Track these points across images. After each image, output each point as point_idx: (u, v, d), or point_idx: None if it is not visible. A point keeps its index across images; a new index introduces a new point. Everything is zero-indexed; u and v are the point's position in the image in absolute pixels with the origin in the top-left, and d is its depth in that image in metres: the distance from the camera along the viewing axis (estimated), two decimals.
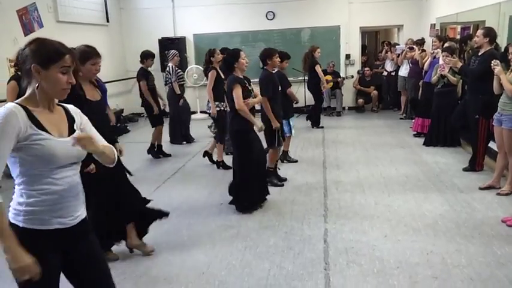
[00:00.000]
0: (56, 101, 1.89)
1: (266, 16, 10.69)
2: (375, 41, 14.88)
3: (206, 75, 6.32)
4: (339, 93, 10.35)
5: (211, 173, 6.01)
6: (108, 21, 10.11)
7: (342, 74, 10.67)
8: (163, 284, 3.19)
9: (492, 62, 4.47)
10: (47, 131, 1.76)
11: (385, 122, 9.25)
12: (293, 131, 6.12)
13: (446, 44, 6.66)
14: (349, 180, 5.36)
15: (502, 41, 5.90)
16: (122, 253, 3.64)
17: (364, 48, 12.47)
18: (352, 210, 4.40)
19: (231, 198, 4.61)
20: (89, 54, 3.22)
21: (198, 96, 10.24)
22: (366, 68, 10.76)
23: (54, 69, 1.75)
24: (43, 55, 1.74)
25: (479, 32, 5.16)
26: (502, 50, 5.07)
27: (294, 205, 4.59)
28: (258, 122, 4.60)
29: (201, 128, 8.51)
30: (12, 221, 1.76)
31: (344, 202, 4.64)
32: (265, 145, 5.10)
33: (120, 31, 10.90)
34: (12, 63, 5.77)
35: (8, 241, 1.68)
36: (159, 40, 10.41)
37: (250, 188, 4.48)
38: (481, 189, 4.79)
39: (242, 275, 3.26)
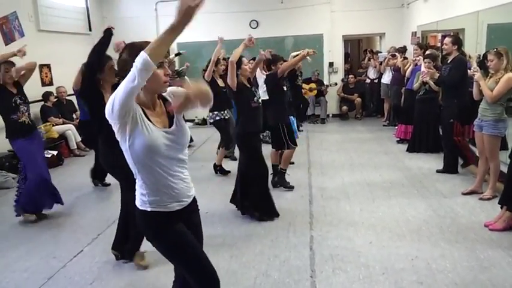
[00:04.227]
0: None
1: (250, 25, 10.76)
2: (358, 49, 15.06)
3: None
4: (323, 101, 10.46)
5: (196, 181, 5.90)
6: (90, 30, 10.02)
7: (326, 82, 10.78)
8: None
9: (472, 68, 4.57)
10: (152, 123, 1.92)
11: (368, 128, 9.34)
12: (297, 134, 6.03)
13: (428, 52, 6.78)
14: (334, 187, 5.39)
15: (480, 48, 6.04)
16: (104, 262, 3.59)
17: (347, 56, 12.61)
18: (337, 217, 4.42)
19: (216, 206, 4.58)
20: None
21: None
22: (351, 76, 10.86)
23: None
24: None
25: (447, 40, 5.32)
26: (481, 57, 5.17)
27: (280, 212, 4.57)
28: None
29: None
30: (141, 207, 2.00)
31: (329, 209, 4.66)
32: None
33: None
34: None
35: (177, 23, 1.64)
36: None
37: (251, 191, 4.46)
38: (463, 194, 4.85)
39: (228, 284, 3.22)
